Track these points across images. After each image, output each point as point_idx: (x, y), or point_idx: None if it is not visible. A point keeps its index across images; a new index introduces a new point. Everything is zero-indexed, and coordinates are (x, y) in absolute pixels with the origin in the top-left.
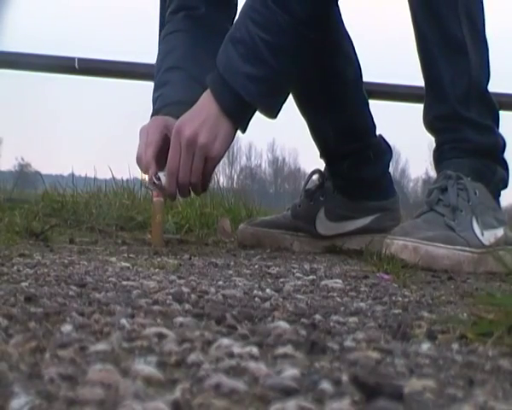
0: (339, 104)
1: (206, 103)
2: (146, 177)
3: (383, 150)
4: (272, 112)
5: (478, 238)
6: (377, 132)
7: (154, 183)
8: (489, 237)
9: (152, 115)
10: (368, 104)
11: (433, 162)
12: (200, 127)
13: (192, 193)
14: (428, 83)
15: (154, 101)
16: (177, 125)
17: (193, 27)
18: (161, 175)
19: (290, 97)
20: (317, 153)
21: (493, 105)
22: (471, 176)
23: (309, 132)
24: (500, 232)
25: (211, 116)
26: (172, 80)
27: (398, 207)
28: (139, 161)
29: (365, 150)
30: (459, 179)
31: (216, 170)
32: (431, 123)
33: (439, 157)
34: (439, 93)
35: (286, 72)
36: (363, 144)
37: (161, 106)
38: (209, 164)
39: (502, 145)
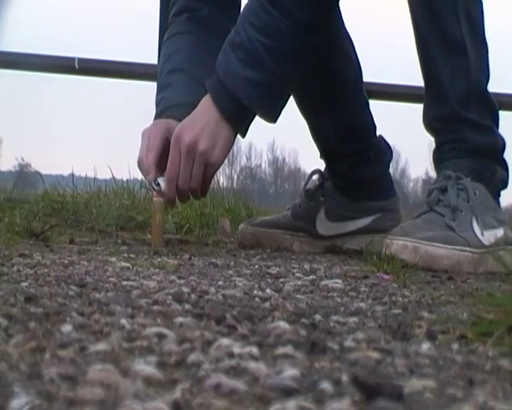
0: (339, 104)
1: (206, 108)
2: (147, 179)
3: (383, 151)
4: (272, 116)
5: (478, 238)
6: (377, 133)
7: (154, 188)
8: (489, 237)
9: (155, 118)
10: (368, 104)
11: (432, 163)
12: (200, 133)
13: (191, 198)
14: (428, 83)
15: (157, 103)
16: (177, 132)
17: (196, 29)
18: (161, 181)
19: (290, 98)
20: (317, 153)
21: (493, 105)
22: (471, 176)
23: (309, 132)
24: (500, 232)
25: (210, 122)
26: (175, 82)
27: (399, 208)
28: (140, 165)
29: (365, 150)
30: (459, 180)
31: (216, 174)
32: (430, 123)
33: (439, 157)
34: (439, 93)
35: (286, 76)
36: (363, 144)
37: (164, 108)
38: (209, 170)
39: (501, 145)
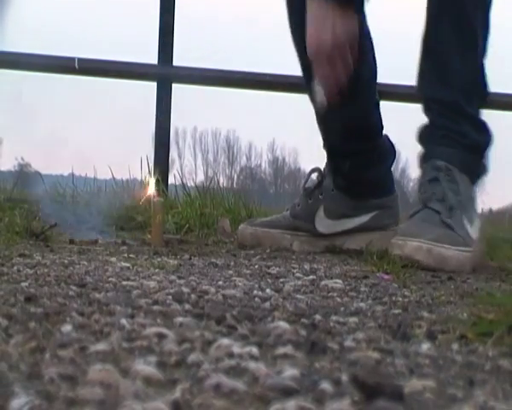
0: (350, 100)
1: (316, 8)
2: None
3: (387, 152)
4: None
5: (470, 236)
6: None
7: (316, 92)
8: (475, 231)
9: None
10: (378, 106)
11: (418, 136)
12: (324, 34)
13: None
14: (434, 62)
15: None
16: (308, 44)
17: None
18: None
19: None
20: (317, 153)
21: (485, 96)
22: (459, 167)
23: (315, 120)
24: (478, 223)
25: (328, 17)
26: None
27: (397, 205)
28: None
29: (370, 151)
30: (448, 171)
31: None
32: (428, 102)
33: (429, 137)
34: (445, 78)
35: None
36: (367, 145)
37: None
38: (351, 46)
39: (491, 142)
